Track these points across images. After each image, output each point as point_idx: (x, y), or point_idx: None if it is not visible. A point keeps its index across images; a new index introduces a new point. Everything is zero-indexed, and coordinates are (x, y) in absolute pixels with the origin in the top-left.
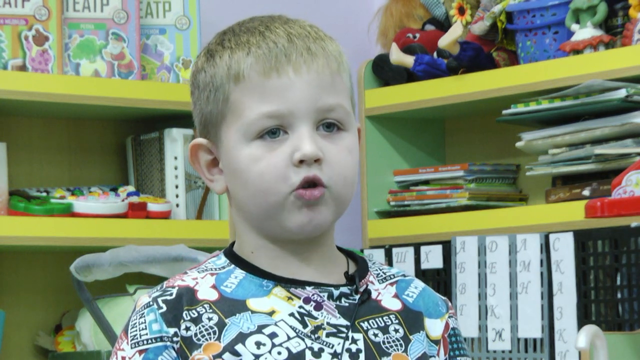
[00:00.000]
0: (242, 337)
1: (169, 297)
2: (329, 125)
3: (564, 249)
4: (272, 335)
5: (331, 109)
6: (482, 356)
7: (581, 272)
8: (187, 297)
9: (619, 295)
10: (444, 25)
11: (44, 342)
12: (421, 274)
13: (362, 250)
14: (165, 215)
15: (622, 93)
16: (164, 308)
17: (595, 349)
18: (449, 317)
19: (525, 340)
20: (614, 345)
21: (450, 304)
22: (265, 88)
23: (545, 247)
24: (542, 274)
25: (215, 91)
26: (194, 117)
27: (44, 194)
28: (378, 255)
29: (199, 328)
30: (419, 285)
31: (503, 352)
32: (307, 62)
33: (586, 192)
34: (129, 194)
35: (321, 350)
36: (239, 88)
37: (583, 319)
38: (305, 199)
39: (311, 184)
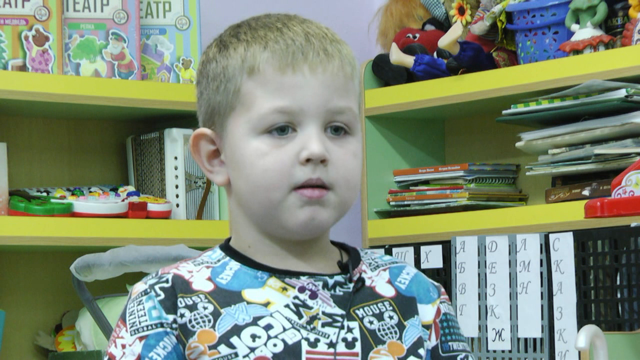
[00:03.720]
0: (237, 329)
1: (165, 285)
2: (337, 129)
3: (563, 249)
4: (268, 327)
5: (341, 111)
6: (482, 356)
7: (581, 272)
8: (182, 285)
9: (618, 295)
10: (444, 25)
11: (44, 342)
12: None
13: None
14: (165, 215)
15: (622, 93)
16: (162, 295)
17: (595, 349)
18: (441, 302)
19: (525, 340)
20: (614, 345)
21: (443, 289)
22: (279, 83)
23: (545, 247)
24: (542, 274)
25: (226, 82)
26: (199, 106)
27: (44, 194)
28: None
29: (194, 315)
30: (410, 271)
31: (503, 352)
32: (323, 62)
33: (586, 192)
34: (129, 194)
35: (317, 340)
36: (252, 80)
37: (583, 319)
38: (307, 197)
39: (314, 186)
